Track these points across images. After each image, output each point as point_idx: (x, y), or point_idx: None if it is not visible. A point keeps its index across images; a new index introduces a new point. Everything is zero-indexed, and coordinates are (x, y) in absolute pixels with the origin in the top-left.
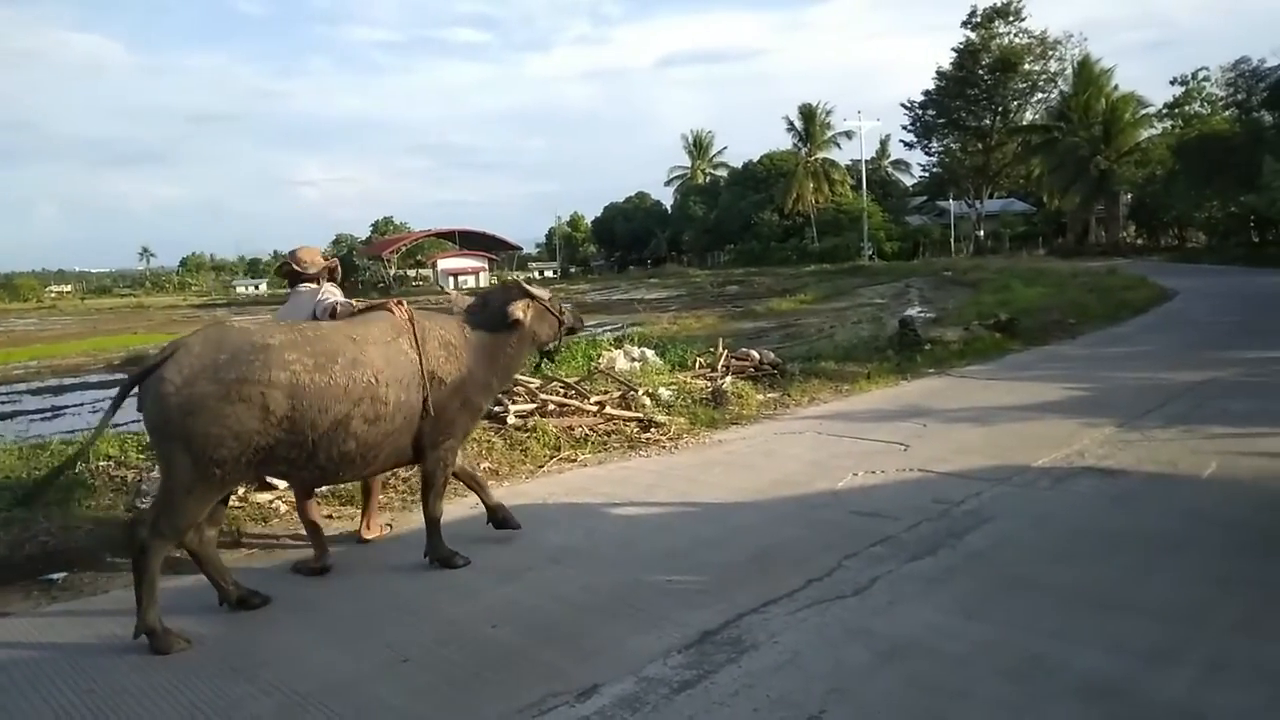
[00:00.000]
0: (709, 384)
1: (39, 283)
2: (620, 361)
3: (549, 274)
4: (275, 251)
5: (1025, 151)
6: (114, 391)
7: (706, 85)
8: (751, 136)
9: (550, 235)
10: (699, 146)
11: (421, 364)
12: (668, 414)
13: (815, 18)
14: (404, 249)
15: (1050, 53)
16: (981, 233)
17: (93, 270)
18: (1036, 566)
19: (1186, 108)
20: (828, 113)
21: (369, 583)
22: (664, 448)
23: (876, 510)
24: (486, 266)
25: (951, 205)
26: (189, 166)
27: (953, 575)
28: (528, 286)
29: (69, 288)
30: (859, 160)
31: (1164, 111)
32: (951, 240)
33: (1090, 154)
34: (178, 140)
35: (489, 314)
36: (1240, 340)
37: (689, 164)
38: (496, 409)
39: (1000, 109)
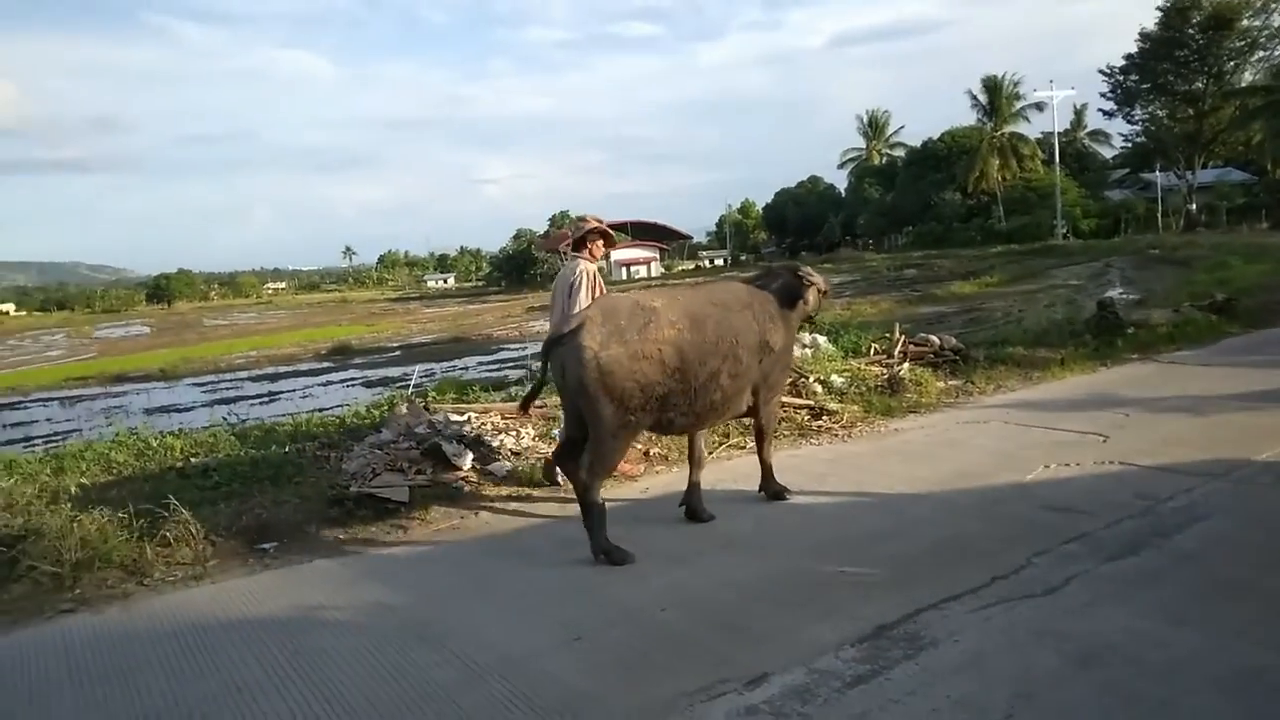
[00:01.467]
0: (885, 371)
1: (258, 280)
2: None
3: (719, 261)
4: (462, 247)
5: (1244, 116)
6: (317, 378)
7: (882, 63)
8: (932, 114)
9: (721, 223)
10: (874, 127)
11: (761, 331)
12: (840, 401)
13: None
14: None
15: (1273, 5)
16: (1194, 206)
17: (304, 268)
18: (1256, 571)
19: None
20: (1015, 84)
21: (547, 561)
22: (836, 436)
23: (1070, 505)
24: (658, 256)
25: (1159, 177)
26: (387, 170)
27: (1158, 578)
28: (811, 274)
29: (283, 284)
30: (1051, 133)
31: None
32: (1159, 215)
33: None
34: (376, 145)
35: (783, 292)
36: None
37: (864, 145)
38: None
39: (1214, 70)
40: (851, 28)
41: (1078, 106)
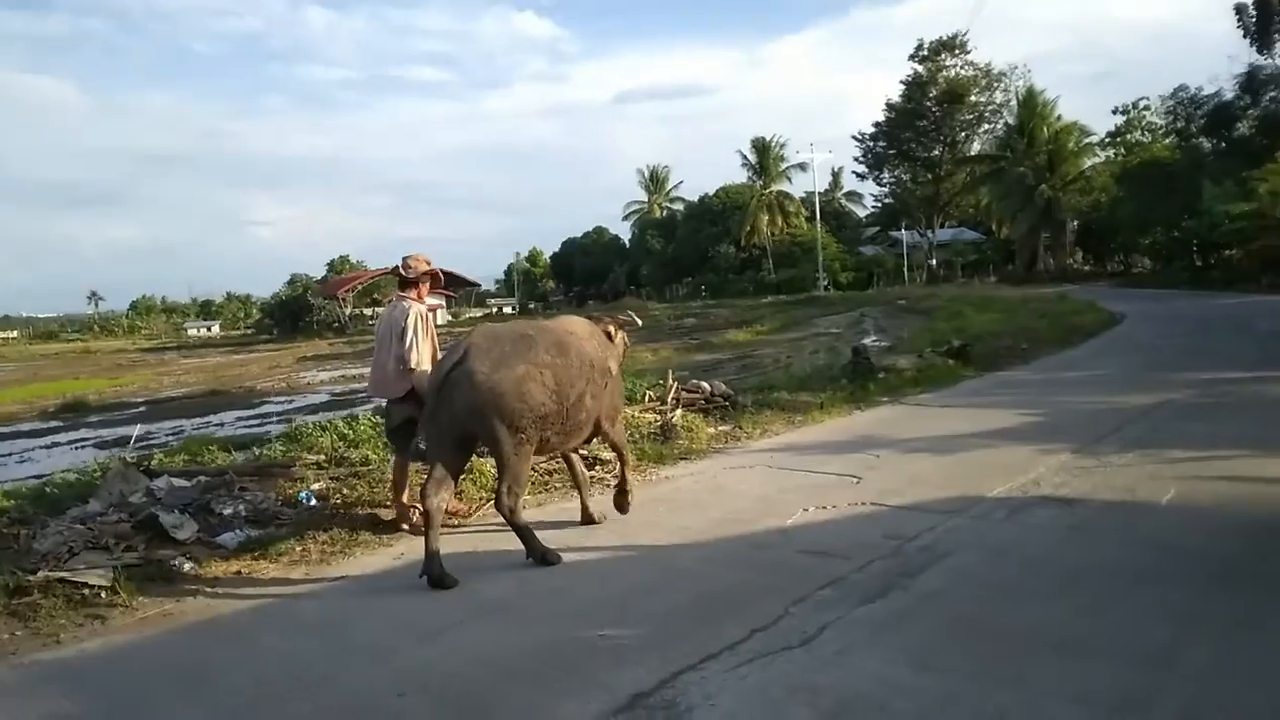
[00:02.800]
0: (658, 417)
1: None
2: None
3: (508, 309)
4: (229, 292)
5: (974, 181)
6: (40, 440)
7: (664, 121)
8: (708, 171)
9: (510, 271)
10: (655, 181)
11: (605, 357)
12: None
13: (771, 54)
14: (359, 288)
15: (995, 84)
16: (934, 261)
17: (40, 315)
18: (992, 606)
19: (1129, 136)
20: (781, 146)
21: (273, 647)
22: (609, 486)
23: (826, 549)
24: (444, 304)
25: (904, 235)
26: (142, 208)
27: (904, 620)
28: (624, 317)
29: (15, 333)
30: (812, 192)
31: (1107, 140)
32: (905, 270)
33: (1036, 183)
34: (131, 182)
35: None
36: (1190, 362)
37: (646, 198)
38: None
39: (949, 140)
40: (635, 86)
41: (835, 169)
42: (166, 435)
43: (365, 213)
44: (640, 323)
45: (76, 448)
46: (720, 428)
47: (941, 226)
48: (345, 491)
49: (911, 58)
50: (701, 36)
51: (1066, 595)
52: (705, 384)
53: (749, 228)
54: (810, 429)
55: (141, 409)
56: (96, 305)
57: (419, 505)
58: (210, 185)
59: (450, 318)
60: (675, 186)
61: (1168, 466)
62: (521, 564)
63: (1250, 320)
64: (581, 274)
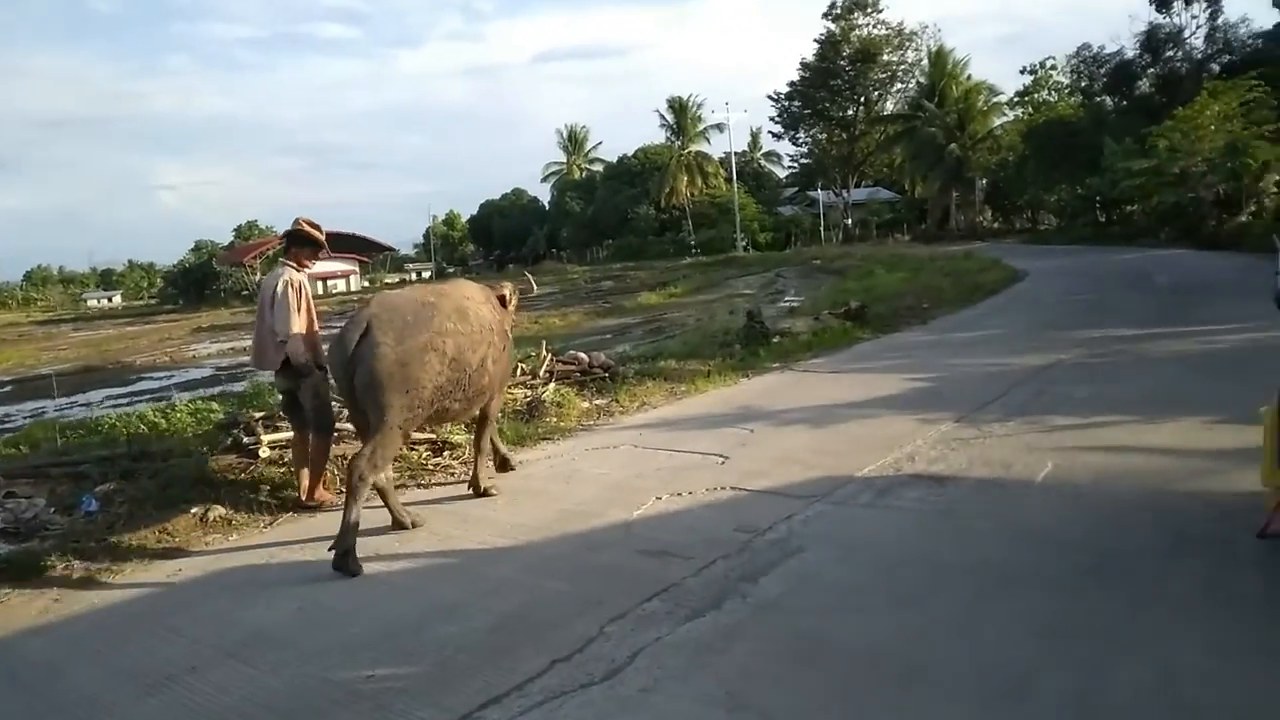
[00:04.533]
0: (528, 393)
1: None
2: None
3: (425, 274)
4: (130, 261)
5: (887, 141)
6: None
7: (583, 81)
8: (628, 132)
9: (428, 235)
10: (574, 142)
11: (500, 321)
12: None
13: (693, 12)
14: (268, 254)
15: (907, 43)
16: (850, 221)
17: None
18: (836, 620)
19: (1036, 95)
20: (698, 106)
21: None
22: (453, 474)
23: (667, 547)
24: (357, 269)
25: (821, 195)
26: (39, 174)
27: (732, 640)
28: (520, 283)
29: None
30: (730, 152)
31: (1015, 100)
32: (821, 229)
33: (946, 142)
34: (26, 146)
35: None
36: (1084, 319)
37: (565, 160)
38: (248, 441)
39: (862, 99)
40: (553, 46)
41: (754, 130)
42: (25, 418)
43: (275, 177)
44: (535, 288)
45: None
46: (596, 402)
47: (857, 186)
48: (134, 493)
49: (825, 15)
50: None
51: (923, 603)
52: (583, 354)
53: (668, 189)
54: (691, 400)
55: (7, 389)
56: None
57: (325, 495)
58: (112, 150)
59: (366, 284)
60: (594, 148)
61: (1046, 436)
62: (318, 579)
63: (1150, 274)
64: (500, 237)
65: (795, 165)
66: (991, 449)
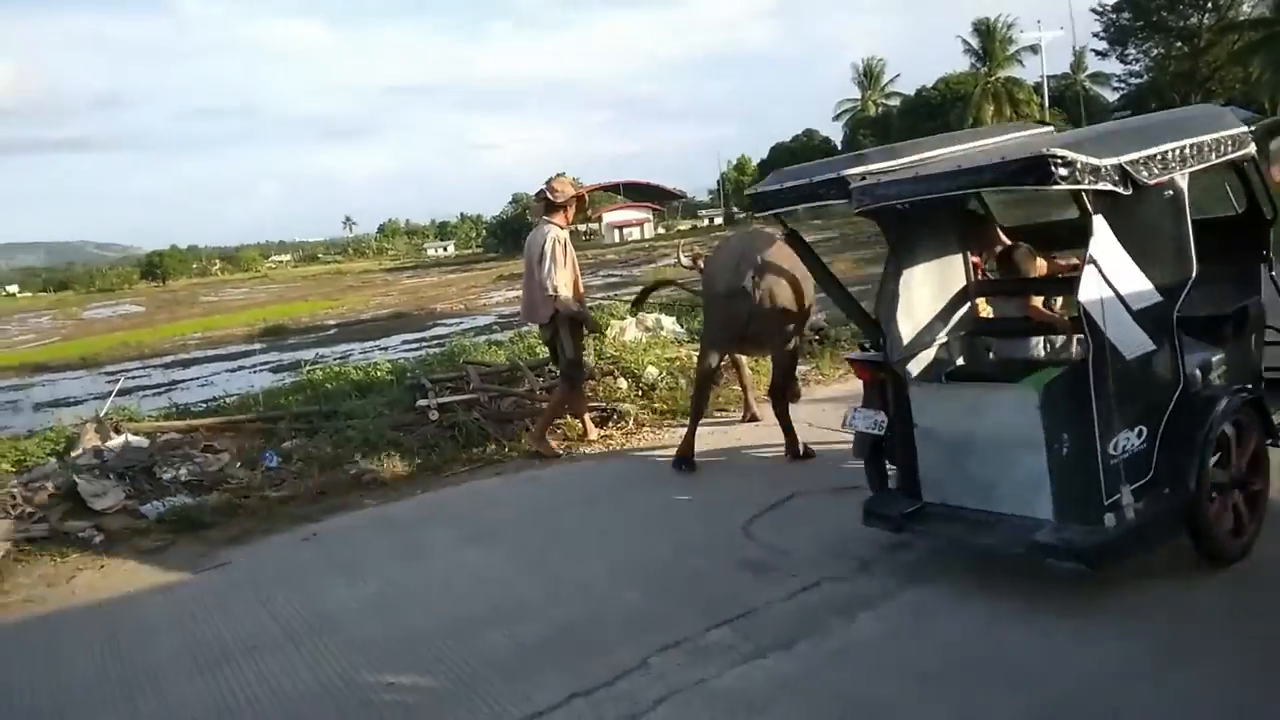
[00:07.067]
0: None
1: (261, 254)
2: (631, 332)
3: (718, 220)
4: (462, 213)
5: (1243, 51)
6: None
7: (880, 8)
8: (928, 61)
9: (721, 181)
10: (870, 76)
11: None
12: (645, 399)
13: None
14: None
15: None
16: None
17: (309, 239)
18: (914, 689)
19: None
20: (1008, 27)
21: (58, 667)
22: (610, 445)
23: (776, 559)
24: (650, 217)
25: None
26: (388, 137)
27: (779, 695)
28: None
29: (287, 257)
30: (1044, 76)
31: None
32: None
33: None
34: (376, 113)
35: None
36: None
37: (859, 96)
38: (421, 404)
39: (1210, 4)
40: None
41: (1078, 49)
42: (335, 360)
43: (588, 130)
44: None
45: (254, 371)
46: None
47: None
48: (311, 451)
49: None
50: None
51: None
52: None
53: (972, 121)
54: None
55: (332, 332)
56: (350, 229)
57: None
58: (446, 112)
59: (661, 231)
60: (891, 80)
61: None
62: (422, 556)
63: None
64: None
65: (1125, 86)
66: None
